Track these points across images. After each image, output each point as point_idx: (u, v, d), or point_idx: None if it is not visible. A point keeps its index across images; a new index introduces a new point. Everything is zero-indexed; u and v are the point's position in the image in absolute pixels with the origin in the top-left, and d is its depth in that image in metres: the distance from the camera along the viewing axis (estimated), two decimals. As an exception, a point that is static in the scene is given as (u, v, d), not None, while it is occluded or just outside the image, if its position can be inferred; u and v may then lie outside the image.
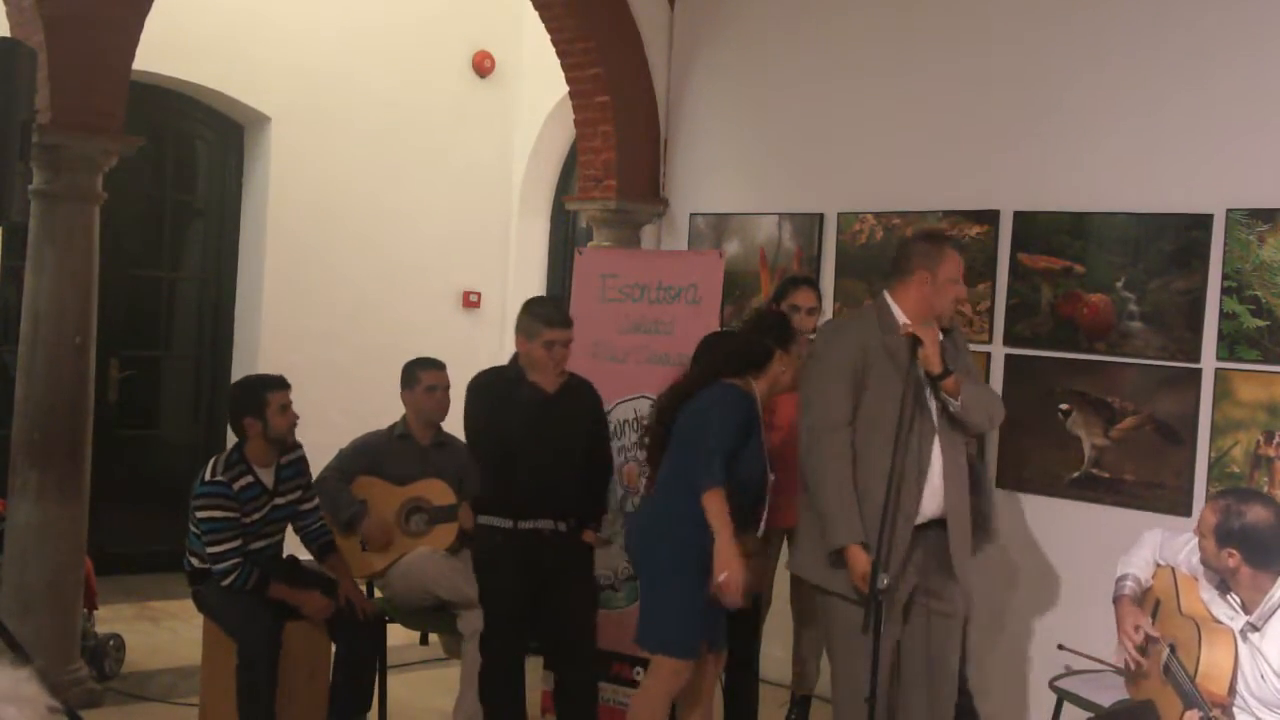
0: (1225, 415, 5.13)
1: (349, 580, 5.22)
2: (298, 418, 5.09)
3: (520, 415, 4.74)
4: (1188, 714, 3.61)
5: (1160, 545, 4.05)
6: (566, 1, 6.86)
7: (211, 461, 5.00)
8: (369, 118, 8.21)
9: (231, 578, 4.87)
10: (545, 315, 4.81)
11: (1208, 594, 3.83)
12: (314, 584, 5.16)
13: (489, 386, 4.88)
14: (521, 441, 4.70)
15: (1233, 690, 3.67)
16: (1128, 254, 5.43)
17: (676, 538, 4.39)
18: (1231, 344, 5.12)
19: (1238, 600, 3.75)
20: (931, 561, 4.27)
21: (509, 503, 4.76)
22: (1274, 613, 3.66)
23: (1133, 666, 3.90)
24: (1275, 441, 5.00)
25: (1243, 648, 3.70)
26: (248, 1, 7.75)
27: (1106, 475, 5.40)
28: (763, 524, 4.54)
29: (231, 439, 5.16)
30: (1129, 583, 3.99)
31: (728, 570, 4.25)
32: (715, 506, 4.27)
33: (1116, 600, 4.00)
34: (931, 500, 4.26)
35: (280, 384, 5.06)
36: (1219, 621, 3.76)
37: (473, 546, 5.07)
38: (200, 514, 4.91)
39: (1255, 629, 3.68)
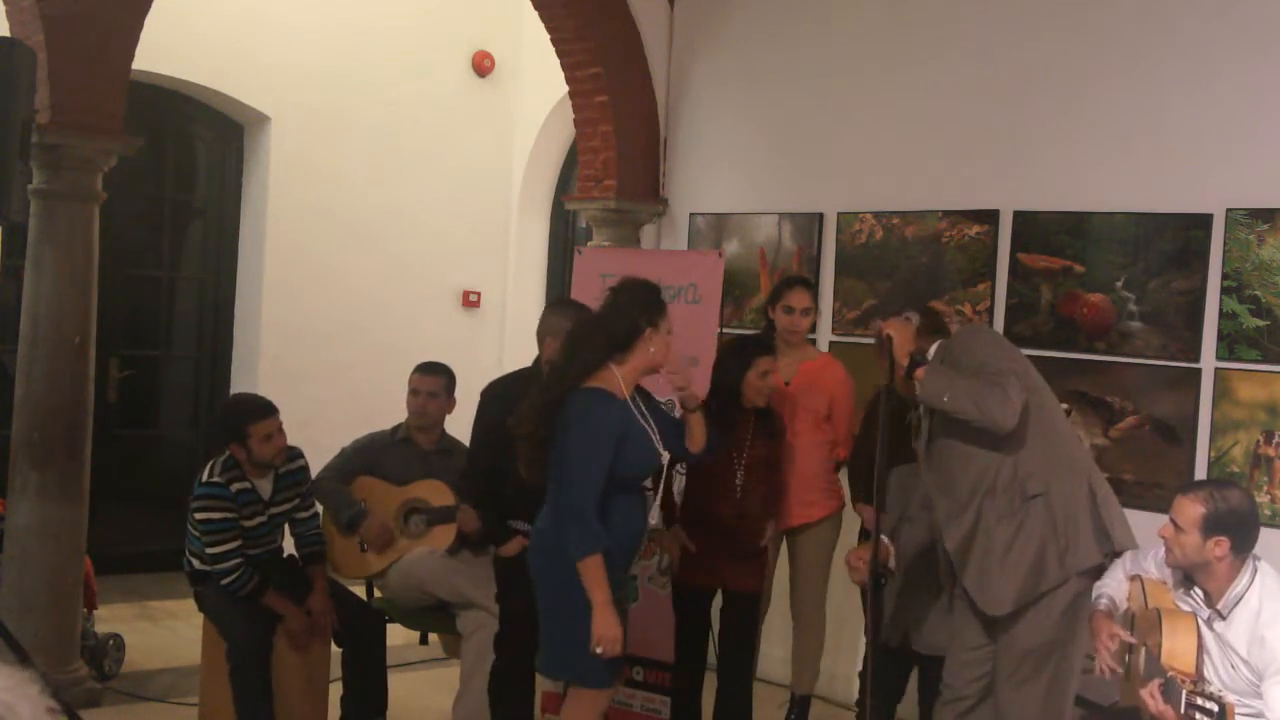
0: (1225, 415, 5.13)
1: (321, 593, 5.13)
2: (284, 441, 5.03)
3: None
4: (1151, 683, 3.63)
5: (1129, 561, 4.09)
6: (566, 1, 6.85)
7: (210, 463, 5.00)
8: (369, 118, 8.21)
9: (232, 578, 4.88)
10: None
11: (1173, 592, 3.87)
12: (306, 589, 5.14)
13: (509, 391, 4.84)
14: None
15: (1199, 669, 3.69)
16: (1127, 254, 5.43)
17: (570, 564, 4.06)
18: (1231, 344, 5.12)
19: (1201, 594, 3.78)
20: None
21: (529, 506, 4.72)
22: (1239, 601, 3.69)
23: (1108, 675, 3.92)
24: (1275, 441, 5.01)
25: (1210, 639, 3.73)
26: (248, 1, 7.75)
27: (1106, 475, 5.38)
28: (654, 510, 4.38)
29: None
30: (1103, 600, 4.03)
31: (603, 643, 4.02)
32: (589, 574, 3.99)
33: (1091, 616, 4.04)
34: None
35: (263, 413, 4.99)
36: (1180, 607, 3.80)
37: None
38: (199, 515, 4.92)
39: (1221, 617, 3.71)
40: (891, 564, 4.52)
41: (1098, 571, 4.14)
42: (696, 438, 4.36)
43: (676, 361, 4.37)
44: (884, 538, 4.45)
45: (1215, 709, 3.39)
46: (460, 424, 5.65)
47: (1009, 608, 4.17)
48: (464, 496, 5.35)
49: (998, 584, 4.16)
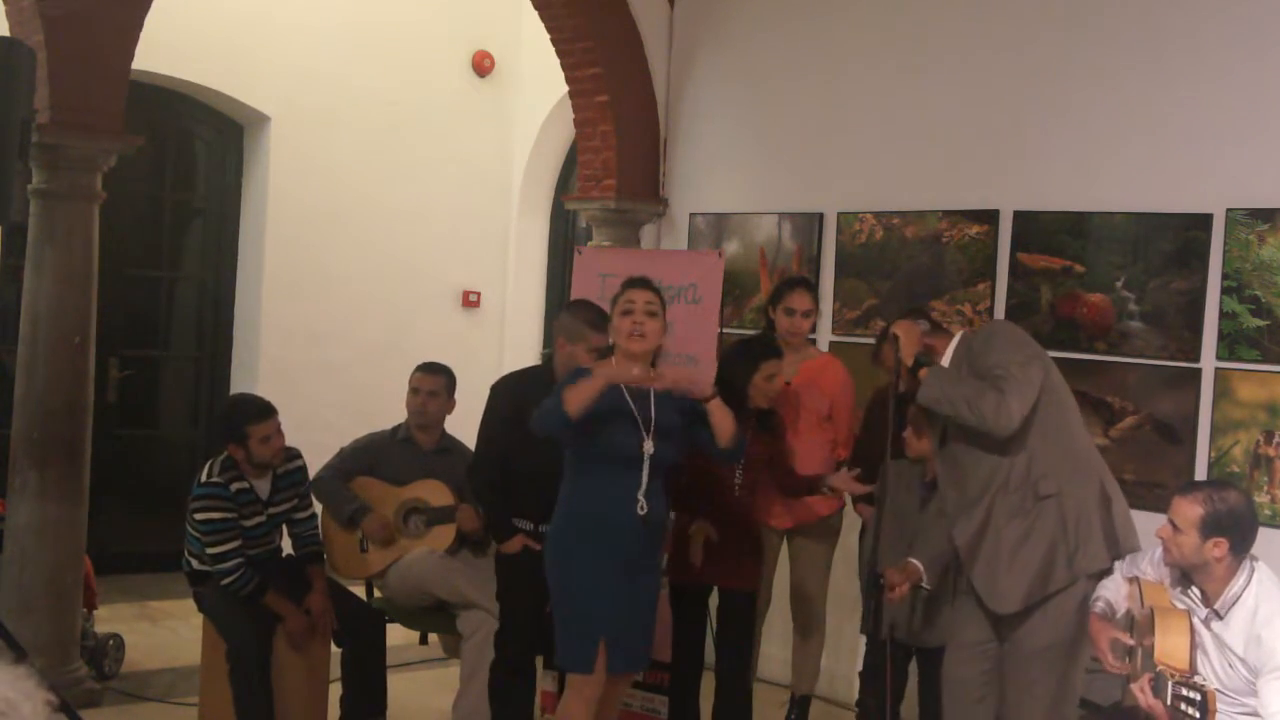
0: (1225, 415, 5.13)
1: (321, 593, 5.14)
2: (283, 442, 5.06)
3: None
4: (1141, 678, 3.67)
5: (1126, 563, 4.09)
6: (566, 1, 6.86)
7: (208, 463, 5.01)
8: (369, 118, 8.21)
9: (232, 579, 4.88)
10: (594, 320, 4.78)
11: (1170, 590, 3.88)
12: (305, 589, 5.14)
13: (517, 388, 4.86)
14: (549, 446, 4.50)
15: (1193, 665, 3.71)
16: (1127, 254, 5.43)
17: (563, 555, 4.36)
18: (1231, 344, 5.12)
19: (1198, 593, 3.78)
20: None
21: (533, 505, 4.73)
22: (1237, 600, 3.70)
23: (1122, 672, 3.93)
24: (1275, 441, 5.01)
25: (1208, 638, 3.74)
26: (248, 1, 7.75)
27: (1106, 475, 5.40)
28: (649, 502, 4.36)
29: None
30: (1100, 603, 4.03)
31: (670, 377, 4.27)
32: (576, 390, 4.15)
33: (1089, 619, 4.04)
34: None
35: (262, 414, 5.01)
36: (1177, 605, 3.81)
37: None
38: (198, 515, 4.92)
39: (1219, 617, 3.72)
40: (925, 583, 4.52)
41: (1107, 574, 4.14)
42: (720, 430, 4.36)
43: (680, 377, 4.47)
44: (914, 560, 4.46)
45: (1198, 697, 3.49)
46: (461, 424, 5.66)
47: (1017, 606, 4.16)
48: (469, 492, 5.35)
49: (1005, 582, 4.16)
